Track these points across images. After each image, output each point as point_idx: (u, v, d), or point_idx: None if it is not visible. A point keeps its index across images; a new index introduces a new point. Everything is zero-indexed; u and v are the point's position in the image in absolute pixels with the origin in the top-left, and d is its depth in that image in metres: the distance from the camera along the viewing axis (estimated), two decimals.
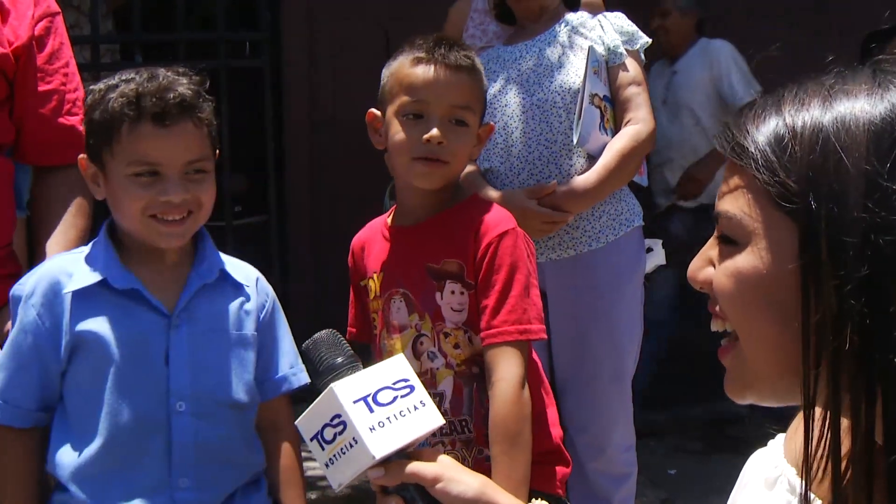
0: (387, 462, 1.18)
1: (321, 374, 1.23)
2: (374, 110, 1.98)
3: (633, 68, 2.68)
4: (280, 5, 4.48)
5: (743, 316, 0.95)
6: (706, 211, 4.14)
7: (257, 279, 1.88)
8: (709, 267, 1.00)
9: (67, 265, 1.73)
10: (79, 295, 1.69)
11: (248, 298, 1.83)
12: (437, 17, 3.30)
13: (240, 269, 1.86)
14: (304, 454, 1.88)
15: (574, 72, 2.61)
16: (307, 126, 4.51)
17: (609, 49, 2.66)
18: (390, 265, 1.95)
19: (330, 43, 4.47)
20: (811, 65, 0.98)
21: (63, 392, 1.71)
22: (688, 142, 4.37)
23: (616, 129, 2.66)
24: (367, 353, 2.10)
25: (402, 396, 1.21)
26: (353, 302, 2.08)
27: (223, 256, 1.84)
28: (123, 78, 1.71)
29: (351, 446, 1.16)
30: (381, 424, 1.17)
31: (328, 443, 1.18)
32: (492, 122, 2.62)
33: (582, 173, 2.58)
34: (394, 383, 1.21)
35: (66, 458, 1.69)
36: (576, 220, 2.60)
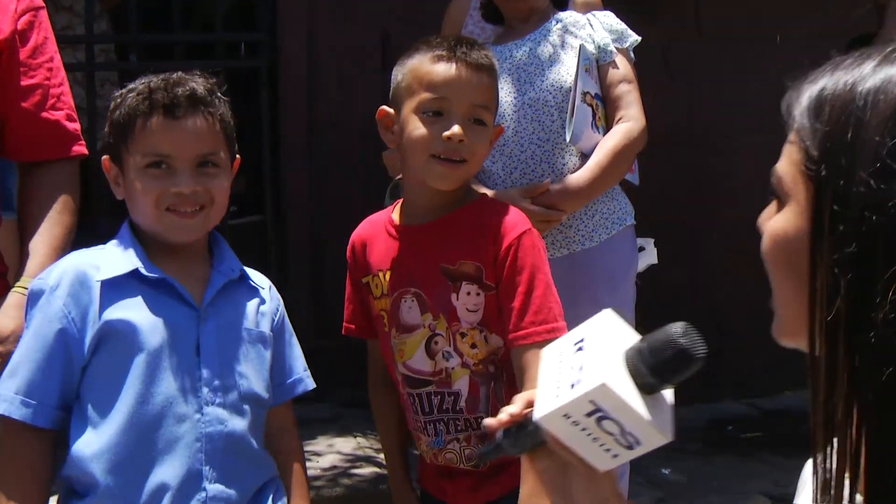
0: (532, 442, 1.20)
1: (655, 371, 1.11)
2: (386, 108, 1.98)
3: (623, 66, 2.68)
4: (278, 7, 4.49)
5: (772, 272, 0.98)
6: None
7: (270, 286, 1.94)
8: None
9: (93, 258, 1.75)
10: (109, 284, 1.70)
11: (263, 300, 1.88)
12: (437, 19, 3.30)
13: (255, 275, 1.92)
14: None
15: (565, 70, 2.61)
16: (304, 127, 4.51)
17: (599, 47, 2.66)
18: (400, 264, 1.96)
19: (328, 44, 4.48)
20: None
21: (81, 388, 1.71)
22: None
23: (607, 127, 2.66)
24: (364, 349, 2.10)
25: (615, 441, 1.13)
26: (350, 297, 2.08)
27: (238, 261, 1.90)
28: (143, 81, 1.77)
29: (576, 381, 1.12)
30: (576, 422, 1.13)
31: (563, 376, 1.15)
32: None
33: (574, 171, 2.58)
34: (629, 432, 1.12)
35: (90, 450, 1.68)
36: (569, 220, 2.60)
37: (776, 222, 0.96)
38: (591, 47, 2.64)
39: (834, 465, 0.88)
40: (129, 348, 1.68)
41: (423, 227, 1.95)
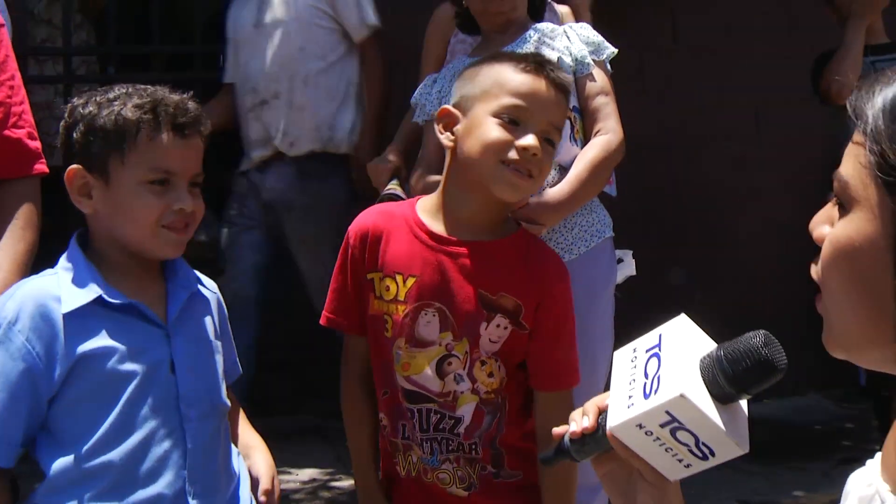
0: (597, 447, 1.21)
1: (730, 379, 1.10)
2: (450, 108, 1.95)
3: (600, 78, 2.68)
4: None
5: (830, 280, 0.94)
6: (317, 159, 3.82)
7: (215, 287, 1.93)
8: (825, 225, 0.97)
9: (49, 288, 1.68)
10: (73, 315, 1.66)
11: (213, 308, 1.88)
12: (415, 27, 3.31)
13: (204, 281, 1.91)
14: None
15: None
16: None
17: (577, 59, 2.66)
18: (430, 275, 1.88)
19: None
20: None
21: (50, 418, 1.67)
22: (297, 73, 3.78)
23: (585, 140, 2.66)
24: (339, 343, 2.06)
25: (689, 451, 1.13)
26: (339, 289, 1.99)
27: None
28: (123, 92, 1.74)
29: (653, 389, 1.12)
30: (650, 434, 1.13)
31: (638, 380, 1.15)
32: None
33: (553, 184, 2.57)
34: (704, 443, 1.12)
35: (70, 478, 1.64)
36: (549, 233, 2.59)
37: (842, 230, 0.91)
38: (568, 60, 2.64)
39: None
40: (104, 376, 1.66)
41: (465, 245, 1.88)
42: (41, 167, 2.04)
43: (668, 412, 1.09)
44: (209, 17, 4.56)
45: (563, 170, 2.60)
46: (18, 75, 2.03)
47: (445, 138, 1.92)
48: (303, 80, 3.74)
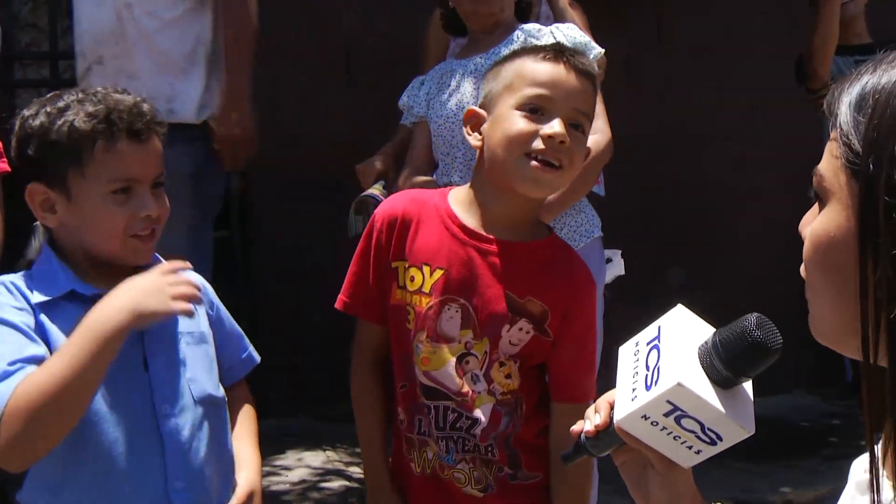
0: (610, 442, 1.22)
1: (728, 362, 1.11)
2: (476, 108, 1.91)
3: None
4: None
5: (811, 273, 0.96)
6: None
7: (198, 278, 1.88)
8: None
9: (18, 282, 1.67)
10: (44, 308, 1.64)
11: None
12: (399, 34, 3.32)
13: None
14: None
15: None
16: (269, 142, 4.50)
17: None
18: (458, 270, 1.83)
19: (291, 60, 4.48)
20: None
21: None
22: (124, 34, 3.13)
23: None
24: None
25: (697, 437, 1.14)
26: (358, 273, 1.94)
27: None
28: (74, 99, 1.69)
29: (651, 381, 1.14)
30: (655, 424, 1.14)
31: (639, 375, 1.17)
32: (449, 138, 2.61)
33: None
34: (709, 429, 1.13)
35: (49, 480, 1.64)
36: None
37: (818, 224, 0.94)
38: None
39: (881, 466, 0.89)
40: None
41: (498, 244, 1.84)
42: (3, 165, 2.02)
43: (669, 401, 1.11)
44: None
45: None
46: None
47: (473, 139, 1.88)
48: (132, 42, 3.09)
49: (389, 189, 2.98)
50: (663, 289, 4.57)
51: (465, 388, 1.84)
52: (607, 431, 1.21)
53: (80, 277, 1.70)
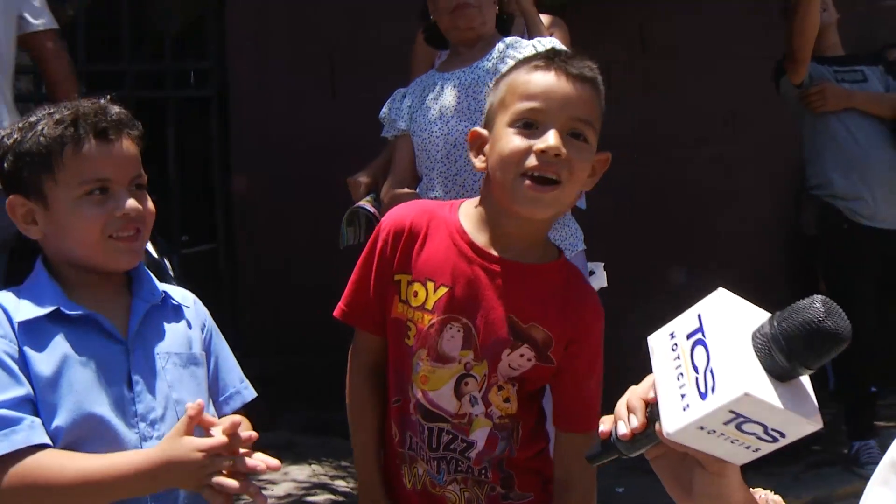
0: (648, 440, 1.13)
1: (787, 352, 1.02)
2: (479, 129, 1.80)
3: None
4: (226, 35, 4.50)
5: None
6: None
7: (194, 301, 1.88)
8: None
9: (7, 300, 1.66)
10: (28, 328, 1.62)
11: (189, 320, 1.82)
12: (384, 45, 3.33)
13: (177, 293, 1.85)
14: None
15: None
16: (255, 154, 4.52)
17: None
18: (464, 288, 1.75)
19: (277, 72, 4.50)
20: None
21: None
22: None
23: None
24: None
25: (758, 437, 1.06)
26: (358, 281, 1.86)
27: (158, 283, 1.83)
28: (46, 112, 1.70)
29: (701, 395, 1.04)
30: (713, 432, 1.05)
31: (698, 386, 1.05)
32: (433, 153, 2.61)
33: None
34: (773, 429, 1.05)
35: None
36: None
37: None
38: None
39: None
40: (57, 393, 1.59)
41: (506, 265, 1.75)
42: None
43: (732, 411, 1.01)
44: (180, 35, 4.57)
45: None
46: None
47: (479, 161, 1.78)
48: None
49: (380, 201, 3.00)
50: (643, 291, 4.59)
51: (463, 411, 1.78)
52: (646, 434, 1.12)
53: (70, 293, 1.69)
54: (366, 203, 2.96)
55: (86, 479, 1.54)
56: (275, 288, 4.45)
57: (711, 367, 1.03)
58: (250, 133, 4.51)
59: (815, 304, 0.99)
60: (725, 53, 5.09)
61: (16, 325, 1.62)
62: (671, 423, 1.05)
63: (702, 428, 1.03)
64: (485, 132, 1.78)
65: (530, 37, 3.02)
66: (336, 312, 1.89)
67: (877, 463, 1.04)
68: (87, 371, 1.63)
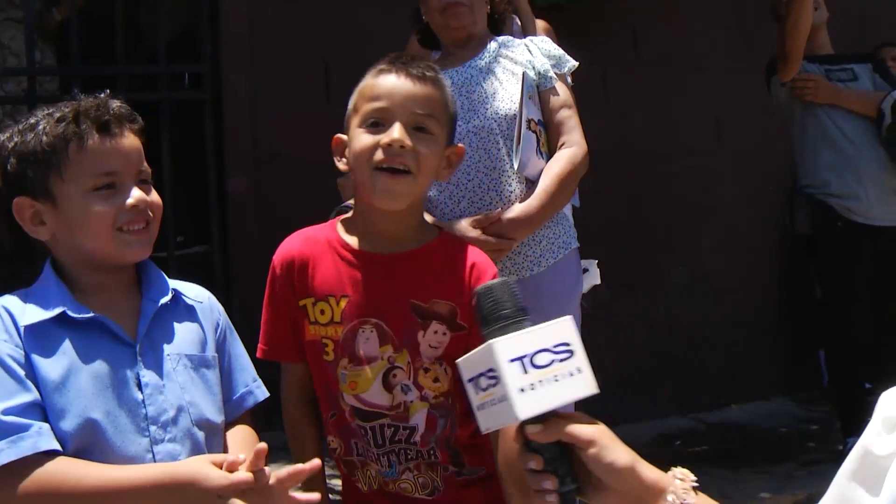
0: (545, 419, 1.20)
1: (487, 322, 1.24)
2: (339, 135, 1.94)
3: (562, 92, 2.72)
4: (220, 39, 4.49)
5: None
6: None
7: (209, 297, 1.89)
8: None
9: (14, 304, 1.66)
10: (34, 332, 1.62)
11: (202, 319, 1.83)
12: (380, 49, 3.33)
13: (190, 290, 1.86)
14: None
15: (508, 97, 2.63)
16: (249, 157, 4.51)
17: (539, 73, 2.69)
18: (361, 293, 1.86)
19: (271, 75, 4.49)
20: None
21: None
22: None
23: (550, 153, 2.70)
24: (278, 371, 2.02)
25: (559, 360, 1.19)
26: (270, 319, 1.97)
27: (171, 281, 1.83)
28: (45, 113, 1.71)
29: (500, 401, 1.18)
30: (532, 387, 1.17)
31: (482, 390, 1.21)
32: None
33: (521, 198, 2.60)
34: (554, 346, 1.20)
35: None
36: (518, 247, 2.62)
37: None
38: (531, 73, 2.68)
39: None
40: (65, 398, 1.59)
41: (389, 258, 1.88)
42: None
43: (513, 359, 1.18)
44: (174, 37, 4.57)
45: (531, 183, 2.64)
46: None
47: (342, 164, 1.93)
48: None
49: None
50: (627, 301, 4.61)
51: (397, 401, 1.86)
52: (551, 451, 1.21)
53: (79, 294, 1.69)
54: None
55: (106, 487, 1.54)
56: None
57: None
58: (245, 136, 4.50)
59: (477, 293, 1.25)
60: (708, 63, 5.11)
61: (22, 330, 1.62)
62: (518, 413, 1.17)
63: (522, 390, 1.16)
64: (345, 137, 1.92)
65: (524, 34, 3.04)
66: (258, 353, 1.99)
67: None
68: (95, 375, 1.63)
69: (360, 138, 1.84)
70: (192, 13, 4.56)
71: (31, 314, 1.64)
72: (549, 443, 1.21)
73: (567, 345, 1.20)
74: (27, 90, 4.38)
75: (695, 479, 1.21)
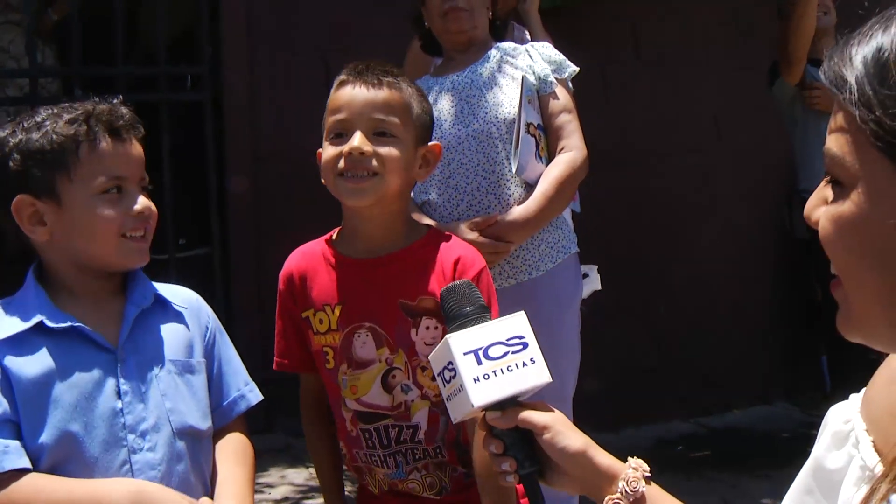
0: (503, 407, 1.29)
1: (450, 320, 1.36)
2: (320, 150, 1.96)
3: (563, 96, 2.73)
4: (220, 39, 4.49)
5: (843, 262, 0.88)
6: None
7: (197, 300, 1.87)
8: (822, 206, 0.89)
9: None
10: (11, 343, 1.60)
11: (189, 324, 1.81)
12: (378, 48, 3.33)
13: (177, 295, 1.84)
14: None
15: (508, 101, 2.64)
16: (249, 158, 4.51)
17: (539, 78, 2.70)
18: (353, 299, 1.89)
19: (271, 76, 4.49)
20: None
21: None
22: None
23: (550, 157, 2.70)
24: (275, 372, 2.06)
25: (513, 352, 1.30)
26: (283, 332, 2.02)
27: (159, 284, 1.82)
28: (51, 112, 1.70)
29: (460, 391, 1.29)
30: (485, 377, 1.28)
31: (447, 382, 1.32)
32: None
33: (520, 201, 2.60)
34: (507, 339, 1.31)
35: None
36: (516, 250, 2.62)
37: (841, 208, 0.84)
38: (531, 78, 2.68)
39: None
40: (42, 409, 1.57)
41: (374, 261, 1.90)
42: None
43: (467, 352, 1.29)
44: (174, 38, 4.56)
45: (530, 187, 2.64)
46: None
47: (323, 179, 1.95)
48: None
49: None
50: (626, 300, 4.60)
51: (398, 401, 1.89)
52: (511, 436, 1.30)
53: (62, 299, 1.67)
54: None
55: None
56: (270, 291, 4.44)
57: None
58: (245, 136, 4.50)
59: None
60: (707, 61, 5.10)
61: None
62: (472, 400, 1.27)
63: (476, 379, 1.27)
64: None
65: (532, 38, 3.04)
66: (275, 366, 2.04)
67: None
68: (73, 385, 1.61)
69: (327, 151, 1.88)
70: (192, 14, 4.56)
71: (8, 326, 1.62)
72: (509, 429, 1.29)
73: (521, 338, 1.31)
74: (29, 91, 4.39)
75: (647, 469, 1.26)
